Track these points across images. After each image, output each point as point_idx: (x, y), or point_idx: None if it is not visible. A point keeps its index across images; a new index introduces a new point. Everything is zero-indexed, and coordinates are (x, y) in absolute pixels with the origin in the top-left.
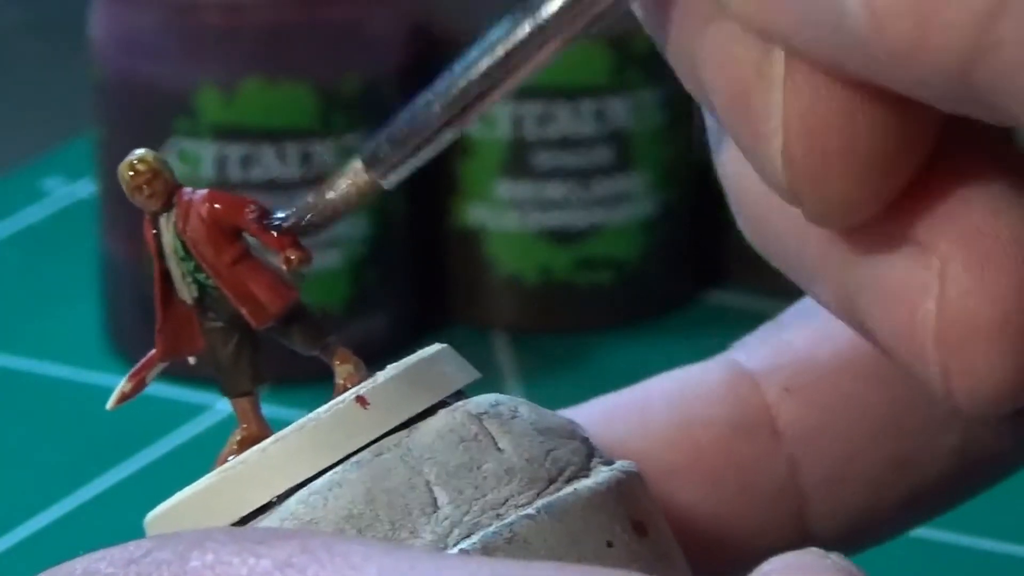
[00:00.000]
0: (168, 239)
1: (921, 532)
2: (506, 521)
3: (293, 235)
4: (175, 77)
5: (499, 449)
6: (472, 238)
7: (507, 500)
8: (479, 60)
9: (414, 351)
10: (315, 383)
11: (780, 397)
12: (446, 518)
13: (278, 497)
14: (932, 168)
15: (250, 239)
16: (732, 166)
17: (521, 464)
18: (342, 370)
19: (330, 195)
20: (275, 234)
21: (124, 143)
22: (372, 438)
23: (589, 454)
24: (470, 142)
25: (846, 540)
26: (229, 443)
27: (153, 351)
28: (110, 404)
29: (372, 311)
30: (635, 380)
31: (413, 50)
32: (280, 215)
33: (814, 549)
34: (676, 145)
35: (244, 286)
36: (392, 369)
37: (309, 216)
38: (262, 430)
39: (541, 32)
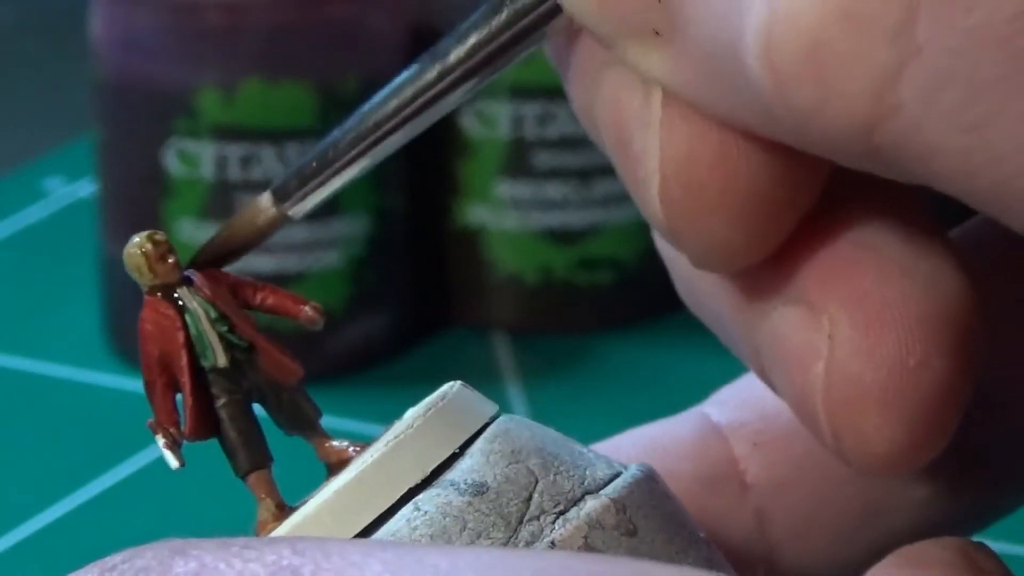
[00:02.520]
0: (196, 305)
1: None
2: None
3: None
4: (175, 77)
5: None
6: (472, 238)
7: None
8: (387, 100)
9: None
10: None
11: (748, 451)
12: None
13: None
14: (823, 219)
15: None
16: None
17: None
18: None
19: (239, 226)
20: (285, 291)
21: (124, 143)
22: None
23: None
24: (470, 142)
25: None
26: (261, 521)
27: (167, 424)
28: (175, 465)
29: (372, 311)
30: (635, 380)
31: (413, 50)
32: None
33: (948, 540)
34: None
35: (271, 345)
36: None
37: (220, 246)
38: (282, 501)
39: (446, 75)
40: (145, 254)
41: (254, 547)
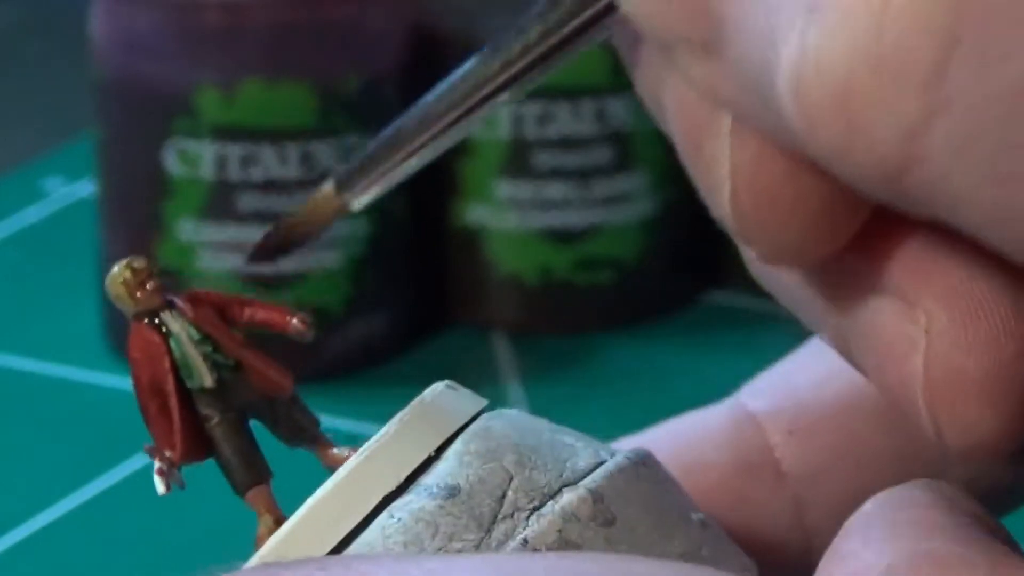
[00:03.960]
0: (179, 328)
1: None
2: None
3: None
4: (175, 77)
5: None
6: (472, 238)
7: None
8: (450, 91)
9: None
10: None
11: (784, 439)
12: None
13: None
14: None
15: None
16: None
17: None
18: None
19: (302, 216)
20: (272, 304)
21: (124, 143)
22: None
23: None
24: (470, 142)
25: None
26: (259, 537)
27: (165, 449)
28: (162, 491)
29: (372, 311)
30: (635, 380)
31: (413, 50)
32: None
33: (920, 481)
34: None
35: (259, 361)
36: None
37: (283, 237)
38: (281, 516)
39: (509, 67)
40: (125, 283)
41: (291, 567)
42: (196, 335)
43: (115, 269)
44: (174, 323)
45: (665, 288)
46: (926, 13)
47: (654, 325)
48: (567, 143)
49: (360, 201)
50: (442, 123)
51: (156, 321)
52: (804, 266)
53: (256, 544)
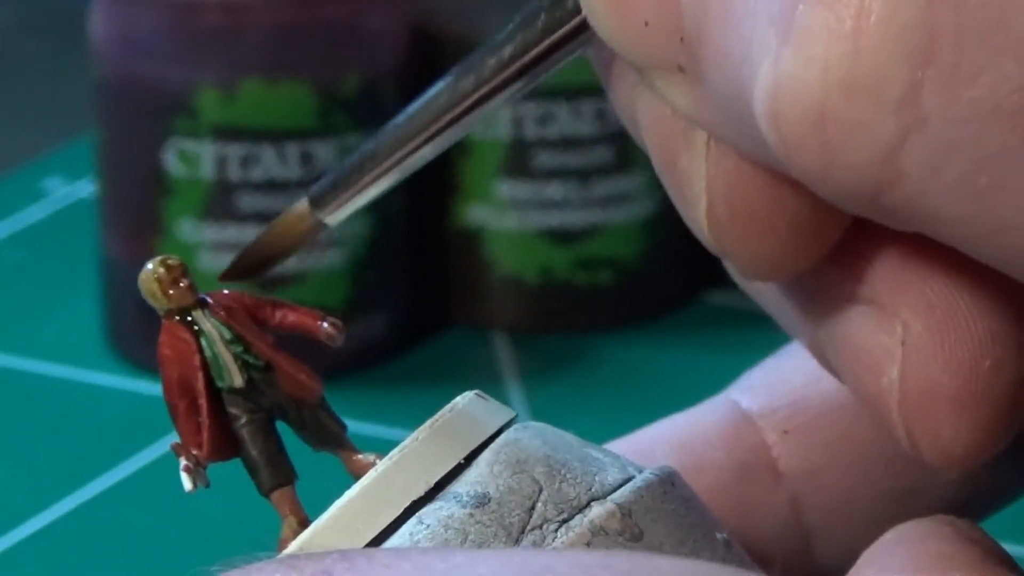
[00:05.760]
0: (211, 327)
1: None
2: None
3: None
4: (175, 77)
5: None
6: (472, 238)
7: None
8: (423, 110)
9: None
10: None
11: (780, 438)
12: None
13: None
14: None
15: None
16: None
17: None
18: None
19: (276, 234)
20: (304, 308)
21: (124, 143)
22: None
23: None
24: (470, 142)
25: None
26: (283, 539)
27: (192, 448)
28: (189, 488)
29: (372, 311)
30: (635, 380)
31: (413, 50)
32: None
33: (941, 516)
34: None
35: (289, 364)
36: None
37: (257, 255)
38: (306, 518)
39: (482, 86)
40: (158, 279)
41: (313, 558)
42: (228, 335)
43: (149, 266)
44: (206, 322)
45: (665, 288)
46: (898, 35)
47: (654, 325)
48: (567, 143)
49: (334, 218)
50: (417, 140)
51: (188, 319)
52: (782, 279)
53: (279, 546)
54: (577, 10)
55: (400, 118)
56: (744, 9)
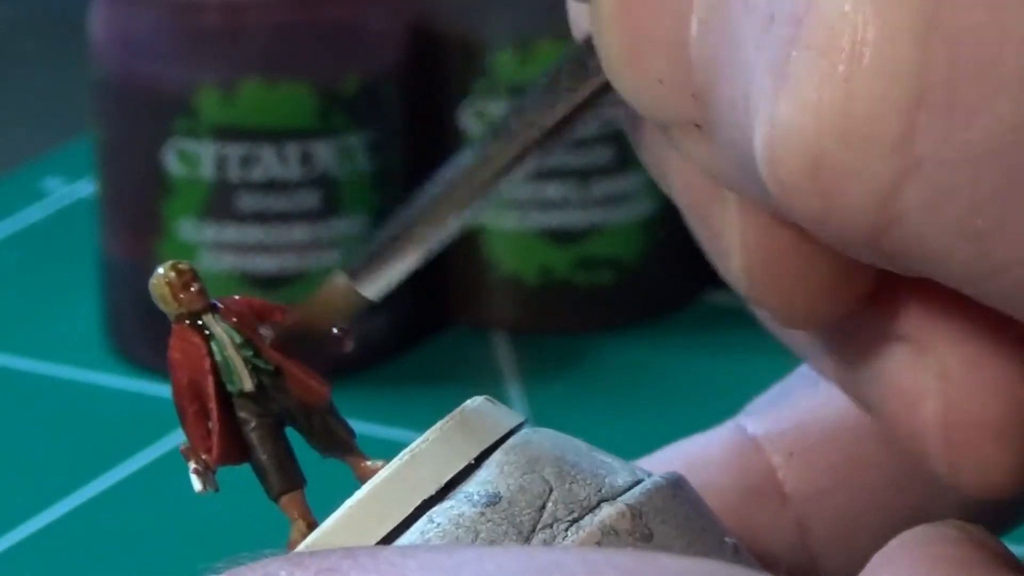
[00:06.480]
0: (221, 332)
1: None
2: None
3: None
4: (175, 77)
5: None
6: (472, 238)
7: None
8: (453, 179)
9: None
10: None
11: (785, 460)
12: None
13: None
14: None
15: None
16: None
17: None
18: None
19: (317, 310)
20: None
21: (124, 143)
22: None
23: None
24: (470, 142)
25: None
26: (292, 542)
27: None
28: (199, 489)
29: (372, 311)
30: (635, 380)
31: (413, 50)
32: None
33: (949, 521)
34: None
35: (298, 369)
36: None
37: (296, 330)
38: (315, 522)
39: (510, 151)
40: (169, 283)
41: (317, 554)
42: (239, 339)
43: (160, 270)
44: (216, 326)
45: (665, 288)
46: (890, 79)
47: (654, 325)
48: (567, 143)
49: (375, 291)
50: (449, 209)
51: (199, 323)
52: (817, 328)
53: (288, 548)
54: (599, 69)
55: (431, 187)
56: (747, 60)
